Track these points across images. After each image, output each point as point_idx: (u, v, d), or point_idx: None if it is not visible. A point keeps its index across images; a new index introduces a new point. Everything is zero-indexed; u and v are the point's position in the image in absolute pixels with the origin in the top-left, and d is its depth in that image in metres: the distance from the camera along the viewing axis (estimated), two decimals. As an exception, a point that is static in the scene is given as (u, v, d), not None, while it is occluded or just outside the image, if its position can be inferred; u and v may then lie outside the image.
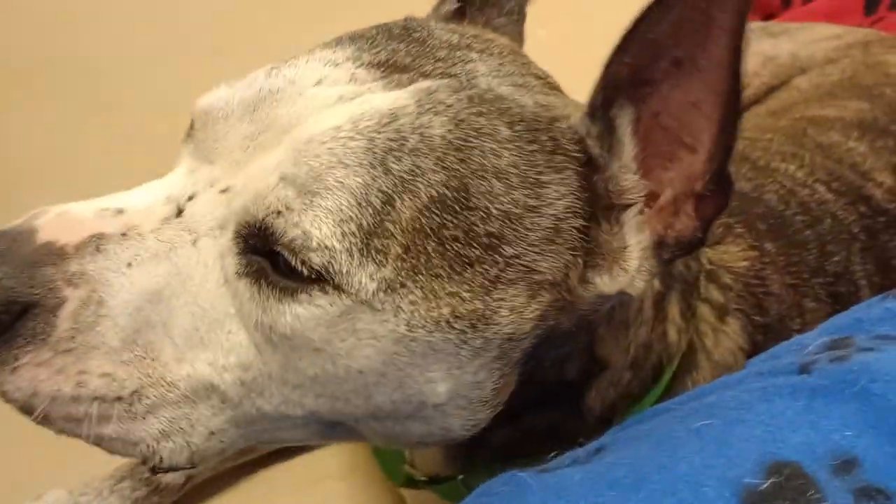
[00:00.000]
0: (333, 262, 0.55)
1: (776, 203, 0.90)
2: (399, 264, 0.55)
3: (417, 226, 0.55)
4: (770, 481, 0.44)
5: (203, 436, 0.61)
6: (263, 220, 0.56)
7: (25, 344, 0.57)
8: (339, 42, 0.64)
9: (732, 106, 0.54)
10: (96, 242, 0.59)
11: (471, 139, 0.56)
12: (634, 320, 0.69)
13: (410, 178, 0.55)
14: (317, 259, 0.55)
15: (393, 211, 0.55)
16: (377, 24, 0.67)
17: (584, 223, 0.59)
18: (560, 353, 0.66)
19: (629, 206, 0.60)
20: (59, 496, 1.21)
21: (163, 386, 0.60)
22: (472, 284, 0.56)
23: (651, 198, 0.60)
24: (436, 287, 0.56)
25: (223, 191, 0.60)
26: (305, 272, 0.55)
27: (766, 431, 0.48)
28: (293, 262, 0.55)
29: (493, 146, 0.57)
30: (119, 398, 0.59)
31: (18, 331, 0.57)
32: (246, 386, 0.60)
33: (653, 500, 0.45)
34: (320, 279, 0.55)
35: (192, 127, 0.65)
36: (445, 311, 0.56)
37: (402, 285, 0.56)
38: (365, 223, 0.55)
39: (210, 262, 0.60)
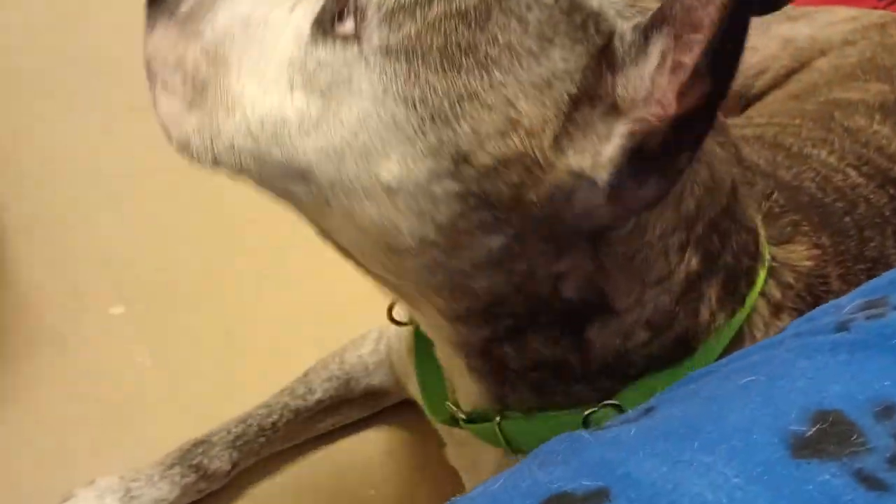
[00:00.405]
0: (367, 7, 0.66)
1: (815, 190, 0.93)
2: (405, 41, 0.64)
3: (436, 23, 0.64)
4: (815, 428, 0.47)
5: (225, 145, 0.73)
6: None
7: (162, 13, 0.75)
8: None
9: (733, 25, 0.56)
10: None
11: None
12: (656, 283, 0.72)
13: None
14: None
15: (428, 4, 0.64)
16: None
17: (576, 94, 0.64)
18: (556, 268, 0.70)
19: (634, 121, 0.62)
20: (110, 482, 1.25)
21: (219, 90, 0.73)
22: (451, 85, 0.64)
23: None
24: (420, 72, 0.64)
25: None
26: (351, 4, 0.67)
27: (809, 383, 0.51)
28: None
29: (531, 1, 0.65)
30: (194, 81, 0.74)
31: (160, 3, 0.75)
32: (266, 126, 0.71)
33: (706, 449, 0.48)
34: (348, 20, 0.67)
35: None
36: (416, 92, 0.64)
37: (396, 57, 0.65)
38: (401, 1, 0.65)
39: (299, 16, 0.72)
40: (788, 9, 1.44)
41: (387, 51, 0.65)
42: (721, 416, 0.52)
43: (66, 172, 1.78)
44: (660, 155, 0.62)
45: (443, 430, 1.01)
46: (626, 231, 0.70)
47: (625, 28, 0.64)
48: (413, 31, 0.64)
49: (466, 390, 0.86)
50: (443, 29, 0.64)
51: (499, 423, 0.81)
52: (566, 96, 0.64)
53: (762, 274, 0.80)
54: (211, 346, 1.54)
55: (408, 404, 1.32)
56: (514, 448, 0.83)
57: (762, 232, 0.82)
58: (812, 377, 0.51)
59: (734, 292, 0.78)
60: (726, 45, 0.57)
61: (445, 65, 0.64)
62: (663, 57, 0.60)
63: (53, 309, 1.58)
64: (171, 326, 1.57)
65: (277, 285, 1.61)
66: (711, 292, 0.76)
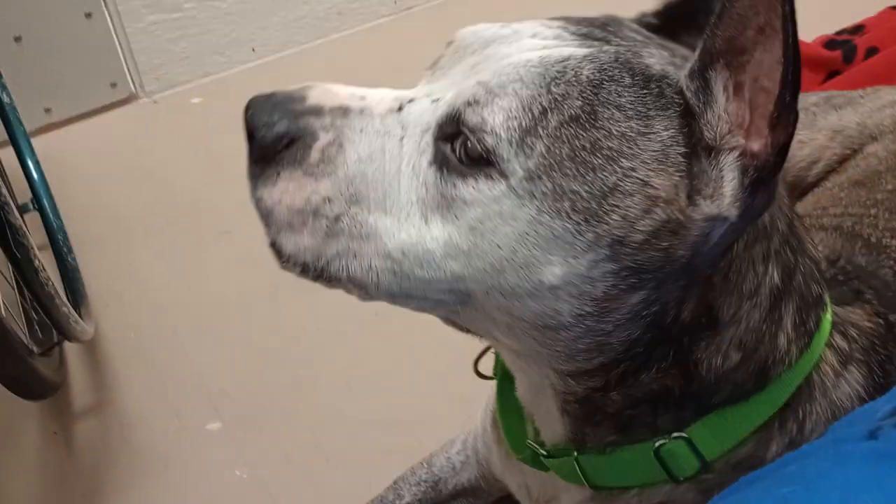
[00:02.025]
0: (498, 146, 0.71)
1: (892, 279, 0.97)
2: (540, 160, 0.71)
3: (558, 134, 0.71)
4: (848, 538, 0.51)
5: (363, 268, 0.79)
6: (458, 108, 0.74)
7: (286, 165, 0.78)
8: (553, 18, 0.82)
9: (794, 50, 0.65)
10: (344, 110, 0.79)
11: (604, 82, 0.72)
12: (749, 295, 0.79)
13: (561, 99, 0.71)
14: (489, 140, 0.71)
15: (545, 120, 0.71)
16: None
17: (686, 152, 0.72)
18: (678, 295, 0.77)
19: (730, 150, 0.72)
20: None
21: (354, 221, 0.78)
22: (592, 187, 0.70)
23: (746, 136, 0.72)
24: (563, 184, 0.71)
25: (434, 100, 0.78)
26: (479, 149, 0.72)
27: (842, 495, 0.55)
28: (471, 141, 0.72)
29: (619, 88, 0.72)
30: (326, 217, 0.78)
31: (283, 156, 0.78)
32: (408, 253, 0.77)
33: (747, 561, 0.52)
34: (486, 165, 0.72)
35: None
36: (566, 204, 0.71)
37: (539, 177, 0.71)
38: (524, 124, 0.71)
39: (410, 153, 0.78)
40: (833, 96, 1.48)
41: (530, 176, 0.71)
42: (762, 529, 0.56)
43: (163, 302, 1.90)
44: (772, 175, 0.72)
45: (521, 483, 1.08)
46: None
47: (682, 79, 0.73)
48: (543, 149, 0.70)
49: (551, 430, 0.92)
50: (565, 137, 0.71)
51: (576, 458, 0.87)
52: (680, 157, 0.72)
53: (827, 321, 0.85)
54: (302, 458, 1.62)
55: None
56: (592, 484, 0.88)
57: (826, 293, 0.87)
58: (844, 488, 0.55)
59: (806, 322, 0.83)
60: (790, 67, 0.66)
61: (580, 170, 0.70)
62: (726, 87, 0.71)
63: (155, 432, 1.68)
64: (265, 439, 1.65)
65: (363, 395, 1.68)
66: (788, 318, 0.81)
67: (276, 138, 0.78)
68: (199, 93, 2.40)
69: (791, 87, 0.67)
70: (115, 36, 2.31)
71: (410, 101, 0.79)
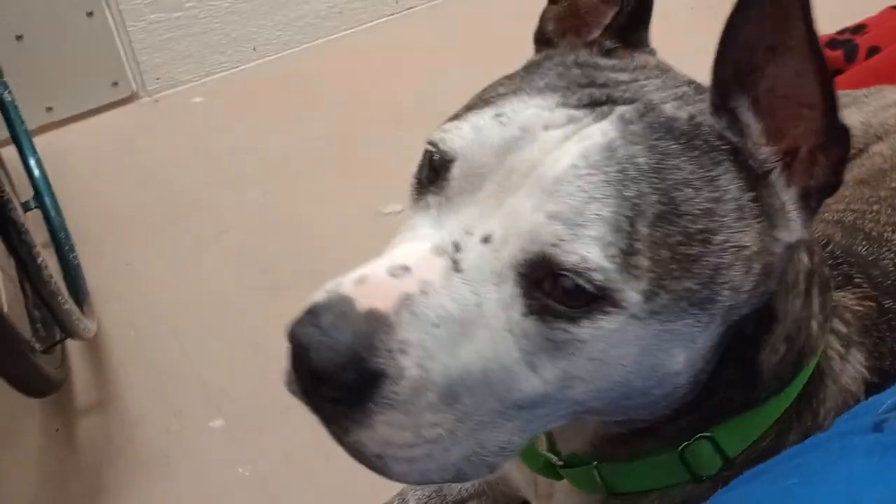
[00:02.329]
0: (610, 280, 0.66)
1: (891, 269, 0.98)
2: (649, 276, 0.67)
3: (653, 240, 0.67)
4: (852, 530, 0.52)
5: (495, 450, 0.73)
6: (542, 252, 0.67)
7: (379, 408, 0.68)
8: (540, 91, 0.76)
9: (823, 66, 0.66)
10: (408, 305, 0.69)
11: (662, 162, 0.69)
12: (793, 286, 0.80)
13: (639, 201, 0.67)
14: (598, 277, 0.66)
15: (636, 232, 0.67)
16: (550, 62, 0.81)
17: (753, 194, 0.71)
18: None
19: (772, 170, 0.72)
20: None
21: (466, 423, 0.71)
22: (701, 277, 0.69)
23: (790, 156, 0.72)
24: (676, 287, 0.68)
25: (484, 240, 0.71)
26: (589, 289, 0.66)
27: (846, 488, 0.55)
28: (580, 282, 0.66)
29: (675, 162, 0.70)
30: (441, 437, 0.70)
31: (372, 397, 0.68)
32: (526, 408, 0.72)
33: (753, 553, 0.52)
34: (597, 300, 0.67)
35: (436, 172, 0.76)
36: (684, 304, 0.69)
37: (655, 294, 0.67)
38: (622, 245, 0.66)
39: (493, 313, 0.70)
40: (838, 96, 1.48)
41: (647, 297, 0.67)
42: (767, 521, 0.56)
43: (163, 300, 1.90)
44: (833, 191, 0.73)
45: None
46: None
47: (709, 119, 0.72)
48: (647, 263, 0.67)
49: (570, 444, 0.91)
50: (660, 241, 0.67)
51: (596, 467, 0.86)
52: (751, 203, 0.71)
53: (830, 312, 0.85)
54: (303, 457, 1.61)
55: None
56: (612, 491, 0.87)
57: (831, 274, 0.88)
58: (849, 480, 0.56)
59: (826, 306, 0.83)
60: (826, 85, 0.66)
61: (685, 266, 0.68)
62: (749, 108, 0.71)
63: (157, 430, 1.68)
64: (266, 436, 1.65)
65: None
66: (815, 301, 0.82)
67: (356, 382, 0.68)
68: (201, 92, 2.41)
69: (830, 101, 0.67)
70: (116, 35, 2.31)
71: (456, 248, 0.71)
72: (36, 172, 1.82)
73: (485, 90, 0.83)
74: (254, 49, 2.48)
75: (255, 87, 2.41)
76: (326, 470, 1.59)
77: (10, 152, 1.85)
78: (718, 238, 0.69)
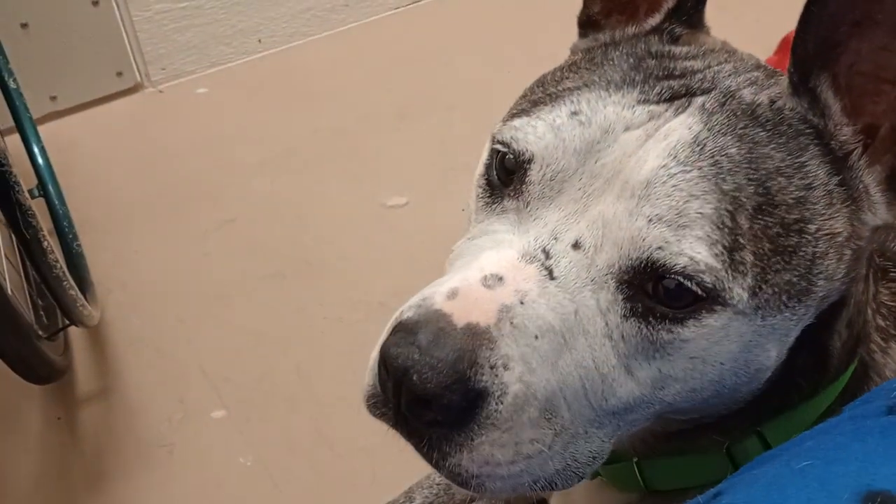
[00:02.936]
0: (718, 279, 0.65)
1: None
2: (754, 270, 0.66)
3: (754, 233, 0.66)
4: (867, 508, 0.51)
5: (587, 460, 0.72)
6: (647, 257, 0.66)
7: (482, 427, 0.66)
8: (617, 87, 0.73)
9: None
10: (508, 317, 0.67)
11: (753, 151, 0.68)
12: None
13: (737, 194, 0.66)
14: (708, 278, 0.64)
15: (738, 226, 0.65)
16: (618, 51, 0.78)
17: (838, 178, 0.70)
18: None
19: (853, 151, 0.70)
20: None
21: (563, 435, 0.69)
22: (799, 269, 0.67)
23: (870, 135, 0.71)
24: (777, 280, 0.67)
25: (575, 246, 0.69)
26: (697, 291, 0.65)
27: (861, 467, 0.55)
28: (687, 284, 0.65)
29: (765, 150, 0.68)
30: (540, 452, 0.69)
31: (474, 416, 0.66)
32: (618, 413, 0.70)
33: (767, 532, 0.52)
34: (703, 300, 0.65)
35: (508, 173, 0.74)
36: (784, 297, 0.67)
37: (760, 289, 0.66)
38: (726, 242, 0.65)
39: (591, 320, 0.68)
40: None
41: (753, 293, 0.66)
42: (781, 500, 0.56)
43: (167, 290, 1.90)
44: None
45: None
46: None
47: (790, 101, 0.70)
48: (751, 257, 0.65)
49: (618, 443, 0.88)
50: (760, 233, 0.66)
51: (637, 463, 0.84)
52: (838, 187, 0.70)
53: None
54: (306, 446, 1.62)
55: None
56: (651, 488, 0.85)
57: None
58: (863, 460, 0.55)
59: (877, 294, 0.82)
60: None
61: (785, 258, 0.66)
62: (830, 86, 0.69)
63: (161, 418, 1.68)
64: (269, 426, 1.65)
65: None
66: (870, 290, 0.80)
67: (460, 403, 0.65)
68: (205, 83, 2.40)
69: None
70: (121, 24, 2.31)
71: (546, 254, 0.69)
72: (40, 160, 1.81)
73: (545, 83, 0.80)
74: (259, 41, 2.47)
75: (259, 79, 2.40)
76: (329, 460, 1.59)
77: (15, 141, 1.85)
78: (812, 227, 0.68)
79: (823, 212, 0.68)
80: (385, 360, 0.67)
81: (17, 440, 1.65)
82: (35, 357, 1.35)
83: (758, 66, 0.77)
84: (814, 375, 0.78)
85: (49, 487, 1.59)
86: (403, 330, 0.67)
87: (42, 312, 1.64)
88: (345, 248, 1.94)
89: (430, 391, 0.64)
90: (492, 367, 0.65)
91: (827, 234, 0.68)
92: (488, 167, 0.77)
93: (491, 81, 2.21)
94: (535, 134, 0.72)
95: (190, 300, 1.88)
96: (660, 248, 0.65)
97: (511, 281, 0.68)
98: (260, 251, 1.95)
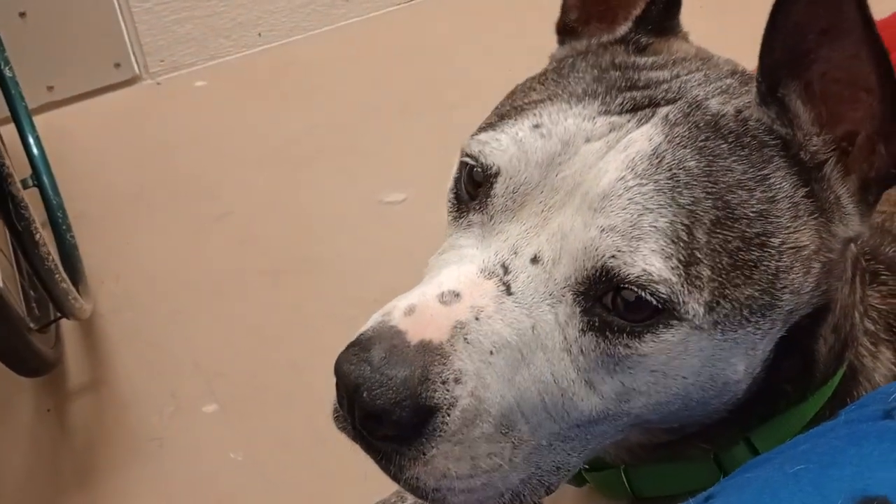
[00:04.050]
0: (674, 292, 0.64)
1: None
2: (711, 285, 0.64)
3: (712, 247, 0.65)
4: (862, 514, 0.50)
5: (551, 470, 0.71)
6: (602, 265, 0.65)
7: (431, 440, 0.66)
8: (579, 99, 0.72)
9: (880, 49, 0.64)
10: (462, 333, 0.67)
11: (712, 164, 0.66)
12: (842, 272, 0.75)
13: (694, 208, 0.65)
14: (663, 290, 0.63)
15: (694, 240, 0.64)
16: (584, 62, 0.77)
17: (806, 189, 0.68)
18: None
19: (825, 161, 0.69)
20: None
21: (522, 448, 0.69)
22: (761, 283, 0.66)
23: (847, 143, 0.69)
24: (737, 295, 0.65)
25: (533, 260, 0.68)
26: (653, 302, 0.64)
27: (856, 471, 0.54)
28: (643, 295, 0.64)
29: (725, 163, 0.67)
30: (499, 466, 0.68)
31: (425, 430, 0.66)
32: (583, 426, 0.69)
33: (758, 537, 0.51)
34: (659, 313, 0.64)
35: (476, 187, 0.73)
36: (745, 312, 0.66)
37: (717, 303, 0.65)
38: (682, 256, 0.64)
39: (549, 335, 0.68)
40: None
41: (709, 308, 0.65)
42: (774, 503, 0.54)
43: (161, 283, 1.89)
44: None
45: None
46: None
47: (757, 111, 0.69)
48: (708, 272, 0.64)
49: (606, 452, 0.87)
50: (718, 247, 0.65)
51: (624, 470, 0.83)
52: (805, 199, 0.68)
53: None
54: (299, 443, 1.60)
55: None
56: (639, 495, 0.83)
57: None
58: (858, 464, 0.54)
59: (864, 298, 0.81)
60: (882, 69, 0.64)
61: (745, 273, 0.65)
62: (799, 96, 0.68)
63: (153, 411, 1.67)
64: (262, 422, 1.64)
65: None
66: (857, 294, 0.79)
67: (411, 419, 0.65)
68: (204, 76, 2.38)
69: (889, 85, 0.65)
70: (120, 15, 2.29)
71: (505, 269, 0.69)
72: (34, 150, 1.80)
73: (515, 95, 0.79)
74: (259, 34, 2.46)
75: (258, 73, 2.39)
76: (322, 457, 1.58)
77: (10, 130, 1.84)
78: (776, 240, 0.66)
79: (788, 225, 0.67)
80: (338, 376, 0.68)
81: (6, 432, 1.64)
82: (26, 349, 1.34)
83: (733, 73, 0.76)
84: (800, 381, 0.77)
85: (38, 479, 1.58)
86: (358, 345, 0.68)
87: (34, 304, 1.63)
88: (342, 244, 1.93)
89: (379, 407, 0.64)
90: (443, 383, 0.66)
91: (792, 248, 0.67)
92: (457, 181, 0.76)
93: (492, 79, 2.18)
94: (500, 147, 0.72)
95: (184, 293, 1.86)
96: (613, 256, 0.65)
97: (468, 297, 0.68)
98: (256, 246, 1.94)
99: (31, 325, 1.44)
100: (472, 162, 0.73)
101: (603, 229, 0.65)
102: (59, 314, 1.57)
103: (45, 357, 1.44)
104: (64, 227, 1.73)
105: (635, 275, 0.64)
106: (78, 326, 1.80)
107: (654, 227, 0.64)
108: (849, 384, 0.80)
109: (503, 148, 0.71)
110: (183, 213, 2.03)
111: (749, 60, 0.77)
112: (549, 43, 0.88)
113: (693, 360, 0.67)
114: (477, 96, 2.19)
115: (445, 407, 0.65)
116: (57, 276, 1.41)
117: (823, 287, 0.70)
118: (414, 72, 2.34)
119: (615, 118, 0.70)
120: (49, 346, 1.55)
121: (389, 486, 1.44)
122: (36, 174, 1.76)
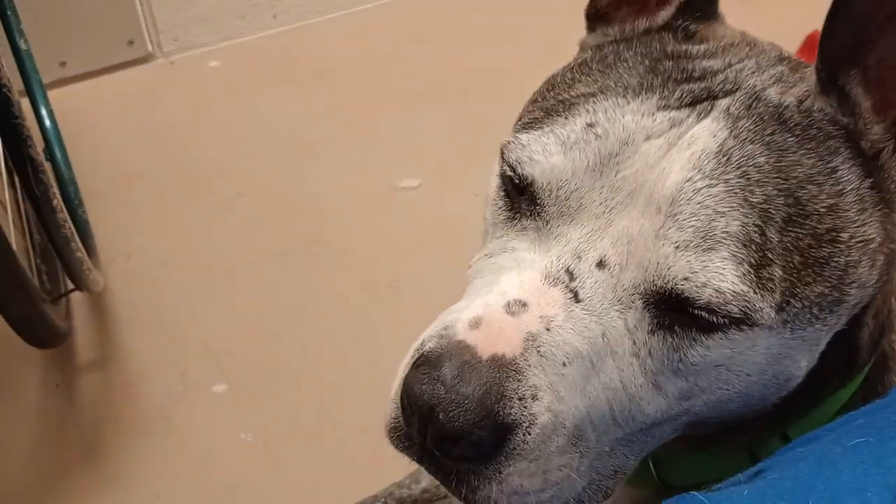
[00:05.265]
0: (748, 304, 0.62)
1: None
2: (783, 286, 0.62)
3: (784, 246, 0.62)
4: (927, 485, 0.49)
5: (610, 475, 0.69)
6: (672, 288, 0.63)
7: (509, 458, 0.64)
8: (635, 93, 0.69)
9: None
10: (535, 346, 0.64)
11: (781, 159, 0.64)
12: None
13: (766, 206, 0.62)
14: (735, 309, 0.62)
15: (767, 240, 0.62)
16: (631, 51, 0.74)
17: (871, 180, 0.66)
18: None
19: (883, 149, 0.67)
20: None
21: (588, 456, 0.67)
22: (832, 280, 0.64)
23: None
24: (808, 293, 0.63)
25: (599, 265, 0.66)
26: (730, 317, 0.62)
27: (919, 444, 0.52)
28: (714, 320, 0.62)
29: (794, 157, 0.64)
30: (568, 477, 0.66)
31: (503, 449, 0.63)
32: (646, 429, 0.68)
33: (821, 506, 0.50)
34: (730, 321, 0.63)
35: (521, 190, 0.70)
36: (815, 310, 0.64)
37: (788, 303, 0.63)
38: (753, 259, 0.62)
39: (619, 340, 0.66)
40: None
41: (780, 308, 0.63)
42: (834, 476, 0.53)
43: (172, 262, 1.87)
44: None
45: None
46: None
47: (819, 101, 0.67)
48: (780, 272, 0.62)
49: None
50: (790, 245, 0.63)
51: (652, 460, 0.81)
52: (869, 190, 0.66)
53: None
54: (308, 424, 1.59)
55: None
56: (667, 483, 0.82)
57: None
58: (922, 437, 0.53)
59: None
60: None
61: (816, 270, 0.63)
62: (860, 84, 0.66)
63: (161, 390, 1.65)
64: (271, 403, 1.63)
65: (372, 364, 1.65)
66: (894, 276, 0.76)
67: (489, 438, 0.63)
68: (217, 56, 2.37)
69: None
70: (135, -8, 2.28)
71: (570, 275, 0.66)
72: (47, 123, 1.78)
73: (555, 86, 0.75)
74: (274, 16, 2.45)
75: (272, 55, 2.38)
76: (330, 440, 1.56)
77: (23, 104, 1.82)
78: (845, 235, 0.64)
79: (856, 218, 0.65)
80: (409, 398, 0.65)
81: (14, 406, 1.63)
82: (39, 318, 1.32)
83: (781, 59, 0.73)
84: (843, 370, 0.76)
85: (45, 454, 1.56)
86: (426, 364, 0.64)
87: (45, 277, 1.61)
88: (354, 229, 1.91)
89: (457, 429, 0.62)
90: (520, 399, 0.63)
91: (860, 242, 0.65)
92: (503, 178, 0.73)
93: (507, 66, 2.18)
94: (545, 151, 0.68)
95: (195, 273, 1.85)
96: (686, 278, 0.62)
97: (536, 306, 0.65)
98: (268, 228, 1.92)
99: (44, 296, 1.42)
100: (510, 172, 0.70)
101: (677, 245, 0.63)
102: (70, 287, 1.56)
103: (57, 328, 1.42)
104: (76, 202, 1.71)
105: (705, 300, 0.62)
106: (88, 303, 1.78)
107: (727, 232, 0.62)
108: (880, 370, 0.79)
109: (549, 151, 0.68)
110: (194, 193, 2.02)
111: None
112: (562, 31, 0.86)
113: (759, 358, 0.65)
114: (491, 83, 2.19)
115: (525, 424, 0.63)
116: (73, 244, 1.39)
117: (885, 278, 0.68)
118: (429, 58, 2.33)
119: (674, 113, 0.67)
120: (61, 319, 1.53)
121: (397, 472, 1.42)
122: (48, 148, 1.74)
